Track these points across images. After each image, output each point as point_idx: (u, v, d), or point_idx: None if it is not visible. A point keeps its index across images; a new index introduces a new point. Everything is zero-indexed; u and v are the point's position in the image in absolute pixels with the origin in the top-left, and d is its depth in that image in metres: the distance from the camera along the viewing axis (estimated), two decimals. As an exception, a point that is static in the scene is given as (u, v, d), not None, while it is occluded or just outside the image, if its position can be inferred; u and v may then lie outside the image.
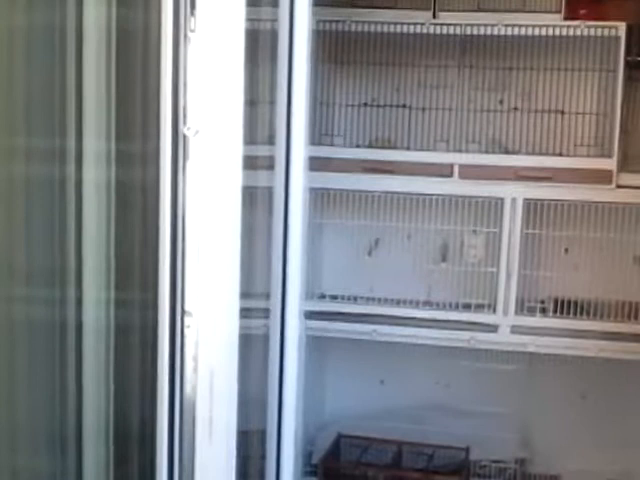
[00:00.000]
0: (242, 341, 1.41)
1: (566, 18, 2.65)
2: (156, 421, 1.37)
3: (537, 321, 2.71)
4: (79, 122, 1.40)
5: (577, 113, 2.76)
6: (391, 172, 2.73)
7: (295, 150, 1.84)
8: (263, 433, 1.93)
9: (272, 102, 1.89)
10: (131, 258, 1.47)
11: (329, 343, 2.93)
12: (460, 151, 2.78)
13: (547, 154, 2.76)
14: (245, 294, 1.47)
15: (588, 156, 2.72)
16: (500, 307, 2.72)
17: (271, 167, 1.88)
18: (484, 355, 2.90)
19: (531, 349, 2.73)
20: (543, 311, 2.73)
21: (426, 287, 2.88)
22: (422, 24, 2.69)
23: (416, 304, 2.82)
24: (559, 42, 2.68)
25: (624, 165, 2.68)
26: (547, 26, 2.62)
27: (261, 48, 1.84)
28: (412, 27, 2.69)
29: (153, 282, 1.35)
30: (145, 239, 1.40)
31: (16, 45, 1.42)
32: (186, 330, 1.35)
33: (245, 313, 1.45)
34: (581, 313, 2.68)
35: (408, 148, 2.82)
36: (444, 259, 2.87)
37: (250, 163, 1.48)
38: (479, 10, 2.72)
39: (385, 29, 2.70)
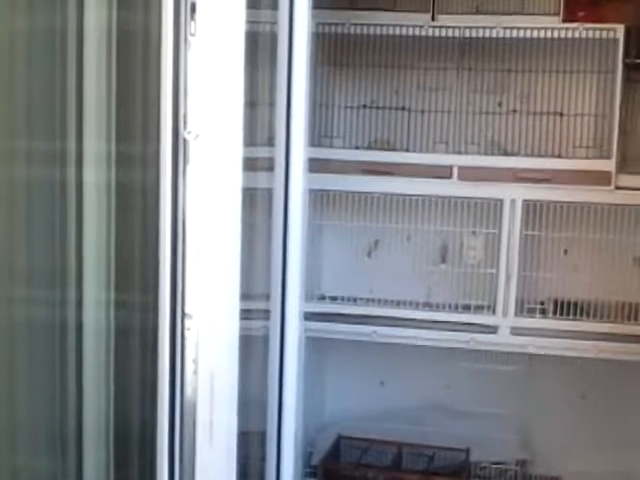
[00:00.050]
0: (242, 342, 1.41)
1: (564, 20, 2.66)
2: (156, 423, 1.37)
3: (537, 322, 2.71)
4: (80, 125, 1.41)
5: (576, 115, 2.76)
6: (390, 174, 2.74)
7: (295, 152, 1.85)
8: (263, 434, 1.93)
9: (272, 104, 1.90)
10: (132, 260, 1.48)
11: (329, 344, 2.93)
12: (459, 153, 2.78)
13: (546, 156, 2.76)
14: (245, 295, 1.47)
15: (587, 158, 2.72)
16: (500, 308, 2.72)
17: (271, 168, 1.89)
18: (484, 356, 2.90)
19: (531, 350, 2.74)
20: (543, 312, 2.73)
21: (426, 288, 2.88)
22: (421, 27, 2.69)
23: (416, 305, 2.82)
24: (558, 44, 2.68)
25: (623, 166, 2.69)
26: (546, 29, 2.63)
27: (261, 50, 1.85)
28: (411, 30, 2.69)
29: (153, 284, 1.35)
30: (146, 241, 1.41)
31: (18, 48, 1.42)
32: (186, 332, 1.35)
33: (245, 314, 1.45)
34: (581, 314, 2.68)
35: (407, 150, 2.82)
36: (444, 260, 2.87)
37: (250, 165, 1.48)
38: (478, 13, 2.73)
39: (384, 32, 2.71)
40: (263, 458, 1.92)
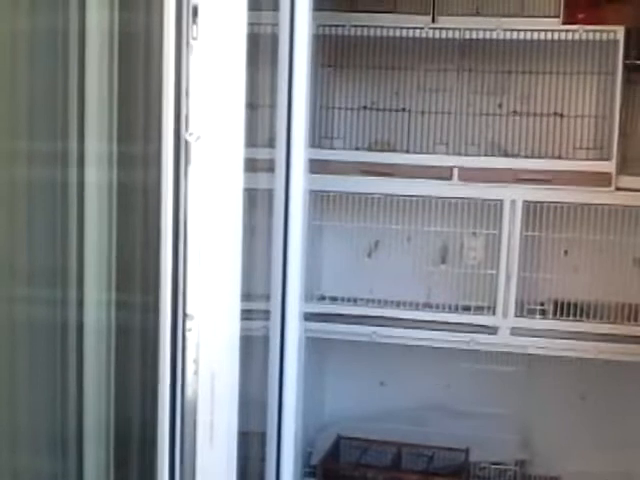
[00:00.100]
0: (242, 343, 1.42)
1: (565, 22, 2.65)
2: (157, 423, 1.38)
3: (537, 323, 2.72)
4: (82, 126, 1.41)
5: (576, 116, 2.76)
6: (391, 175, 2.74)
7: (295, 153, 1.86)
8: (263, 435, 1.93)
9: (273, 105, 1.90)
10: (133, 261, 1.48)
11: (329, 345, 2.94)
12: (460, 154, 2.78)
13: (546, 157, 2.77)
14: (245, 296, 1.47)
15: (587, 159, 2.73)
16: (500, 309, 2.73)
17: (271, 169, 1.90)
18: (484, 357, 2.90)
19: (531, 351, 2.74)
20: (543, 313, 2.73)
21: (426, 289, 2.89)
22: (421, 28, 2.70)
23: (416, 306, 2.83)
24: (558, 46, 2.68)
25: (623, 168, 2.69)
26: (546, 30, 2.63)
27: (262, 52, 1.86)
28: (411, 31, 2.70)
29: (154, 285, 1.35)
30: (147, 242, 1.41)
31: (20, 49, 1.43)
32: (187, 333, 1.35)
33: (245, 315, 1.45)
34: (581, 315, 2.69)
35: (408, 151, 2.82)
36: (444, 261, 2.88)
37: (251, 166, 1.49)
38: (478, 14, 2.73)
39: (384, 33, 2.71)
40: (263, 458, 1.93)
